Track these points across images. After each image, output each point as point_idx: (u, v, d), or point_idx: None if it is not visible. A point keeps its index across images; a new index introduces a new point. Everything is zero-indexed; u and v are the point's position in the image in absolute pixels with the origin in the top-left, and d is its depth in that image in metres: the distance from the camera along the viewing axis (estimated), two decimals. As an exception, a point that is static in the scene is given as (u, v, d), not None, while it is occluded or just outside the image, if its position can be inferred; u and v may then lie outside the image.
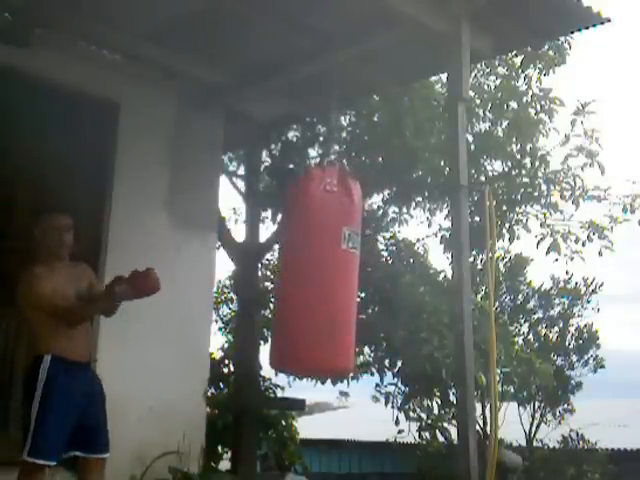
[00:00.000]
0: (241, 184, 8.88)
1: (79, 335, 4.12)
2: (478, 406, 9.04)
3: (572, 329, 12.45)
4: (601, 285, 12.37)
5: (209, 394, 7.19)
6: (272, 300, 10.67)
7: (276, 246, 10.21)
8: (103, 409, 4.22)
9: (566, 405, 11.99)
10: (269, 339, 11.64)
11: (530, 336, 12.18)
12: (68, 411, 3.99)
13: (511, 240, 8.60)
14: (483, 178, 8.21)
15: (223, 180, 8.03)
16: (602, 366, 12.43)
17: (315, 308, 4.63)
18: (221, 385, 8.90)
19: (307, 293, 4.69)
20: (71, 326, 4.06)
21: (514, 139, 8.26)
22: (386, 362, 8.60)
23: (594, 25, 5.54)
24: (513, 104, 8.23)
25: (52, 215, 4.31)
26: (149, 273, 3.94)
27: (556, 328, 12.42)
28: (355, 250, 4.83)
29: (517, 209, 8.46)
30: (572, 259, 8.48)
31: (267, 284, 10.47)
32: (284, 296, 5.03)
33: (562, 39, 7.95)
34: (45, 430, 3.94)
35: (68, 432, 3.99)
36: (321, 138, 8.21)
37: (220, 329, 11.72)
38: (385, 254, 8.91)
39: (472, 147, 7.82)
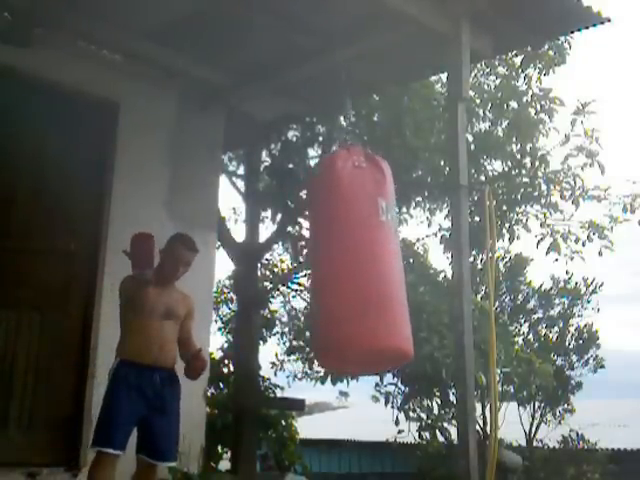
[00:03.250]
0: (241, 184, 8.88)
1: (150, 341, 4.22)
2: (478, 406, 9.04)
3: (572, 329, 12.48)
4: (601, 285, 12.40)
5: (209, 394, 7.19)
6: (271, 300, 10.72)
7: (276, 246, 10.25)
8: (172, 418, 4.28)
9: (566, 405, 12.02)
10: (268, 339, 11.72)
11: (530, 336, 12.21)
12: (130, 406, 4.10)
13: (511, 240, 8.61)
14: (483, 178, 8.22)
15: (223, 180, 8.03)
16: (602, 366, 12.45)
17: (363, 287, 4.34)
18: (221, 385, 8.91)
19: (350, 274, 4.38)
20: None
21: (514, 139, 8.27)
22: (386, 362, 8.58)
23: (594, 25, 5.54)
24: (513, 104, 8.25)
25: (180, 246, 4.41)
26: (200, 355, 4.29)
27: (556, 328, 12.44)
28: (394, 223, 4.69)
29: (517, 209, 8.47)
30: (572, 259, 8.49)
31: (267, 284, 10.48)
32: (324, 285, 4.65)
33: (562, 39, 7.96)
34: (108, 421, 4.11)
35: (131, 426, 4.12)
36: (321, 138, 8.21)
37: (220, 329, 11.73)
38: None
39: (472, 147, 7.83)
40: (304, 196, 7.30)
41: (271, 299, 11.23)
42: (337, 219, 4.52)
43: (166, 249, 4.40)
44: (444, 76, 6.97)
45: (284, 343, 12.22)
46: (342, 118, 5.92)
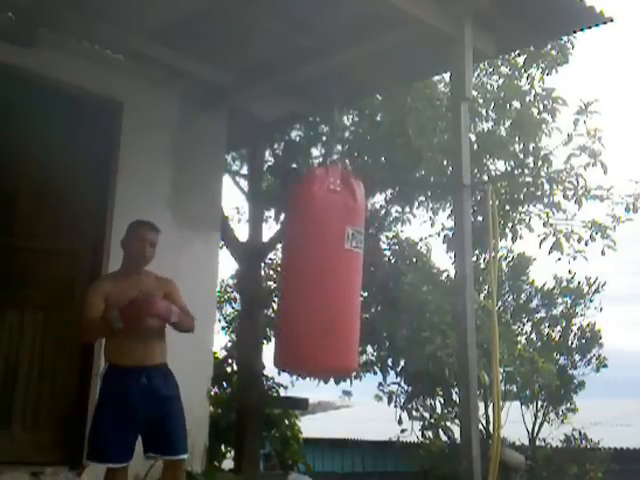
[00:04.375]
0: (244, 183, 8.91)
1: (130, 340, 4.17)
2: (481, 405, 9.03)
3: (575, 328, 12.46)
4: (604, 284, 12.39)
5: (212, 393, 7.19)
6: (275, 299, 10.74)
7: (279, 245, 10.26)
8: (173, 411, 4.27)
9: (569, 404, 12.00)
10: (272, 338, 11.74)
11: (533, 335, 12.18)
12: (120, 414, 4.09)
13: (514, 239, 8.60)
14: (486, 177, 8.21)
15: (226, 179, 8.05)
16: (605, 365, 12.44)
17: (318, 308, 4.61)
18: (224, 384, 8.91)
19: (310, 293, 4.66)
20: (122, 335, 4.14)
21: (517, 138, 8.26)
22: (389, 361, 8.59)
23: (597, 25, 5.54)
24: (516, 104, 8.24)
25: (140, 226, 4.41)
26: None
27: (559, 327, 12.43)
28: (359, 249, 4.82)
29: (520, 208, 8.46)
30: (575, 258, 8.48)
31: (270, 283, 10.48)
32: (287, 296, 5.01)
33: (565, 39, 7.96)
34: (95, 435, 4.15)
35: (126, 435, 4.11)
36: (324, 138, 8.22)
37: (223, 328, 11.73)
38: (388, 253, 8.92)
39: (475, 146, 7.83)
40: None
41: (274, 298, 11.25)
42: (305, 240, 4.78)
43: (128, 235, 4.39)
44: (447, 76, 6.99)
45: (287, 342, 12.20)
46: (335, 119, 5.95)
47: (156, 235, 4.42)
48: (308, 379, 7.63)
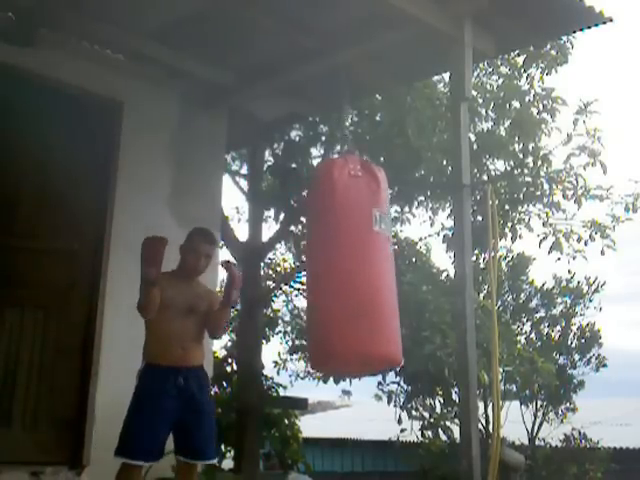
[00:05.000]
0: (244, 183, 8.91)
1: (171, 341, 4.22)
2: (480, 405, 9.06)
3: (574, 328, 12.48)
4: (603, 284, 12.41)
5: (212, 393, 7.20)
6: (275, 299, 10.73)
7: (279, 245, 10.27)
8: (204, 415, 4.26)
9: (568, 404, 12.03)
10: (272, 338, 11.74)
11: (532, 335, 12.21)
12: (155, 414, 4.09)
13: (513, 239, 8.62)
14: (485, 177, 8.22)
15: (226, 179, 8.05)
16: (604, 365, 12.46)
17: (353, 294, 4.42)
18: (224, 384, 8.92)
19: (342, 280, 4.47)
20: (163, 331, 4.22)
21: (516, 138, 8.27)
22: (388, 361, 8.58)
23: (596, 24, 5.54)
24: (515, 103, 8.25)
25: (196, 237, 4.45)
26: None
27: (558, 327, 12.45)
28: (387, 232, 4.74)
29: (519, 208, 8.48)
30: (574, 258, 8.50)
31: (270, 283, 10.50)
32: (318, 289, 4.76)
33: (564, 38, 7.97)
34: (126, 432, 4.10)
35: (158, 434, 4.11)
36: (323, 137, 8.22)
37: (223, 328, 11.71)
38: (387, 253, 8.91)
39: (475, 146, 7.84)
40: (304, 198, 7.35)
41: (274, 298, 11.26)
42: (332, 226, 4.62)
43: (185, 244, 4.43)
44: (447, 76, 6.99)
45: (287, 342, 12.25)
46: (345, 122, 5.94)
47: (212, 247, 4.47)
48: (307, 379, 7.63)
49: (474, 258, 8.29)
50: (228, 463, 7.99)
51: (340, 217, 4.59)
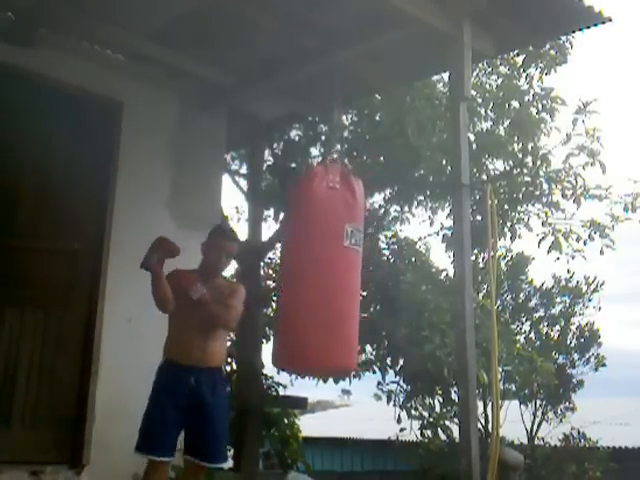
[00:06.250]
0: (244, 183, 8.90)
1: (190, 341, 4.21)
2: (480, 404, 9.06)
3: (573, 327, 12.46)
4: (602, 284, 12.38)
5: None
6: (275, 298, 10.73)
7: (279, 244, 10.26)
8: (215, 418, 4.24)
9: (567, 403, 12.00)
10: (271, 337, 11.73)
11: (532, 334, 12.18)
12: (165, 410, 4.12)
13: (513, 239, 8.62)
14: (485, 177, 8.24)
15: (226, 179, 8.05)
16: (603, 364, 12.43)
17: (317, 306, 4.62)
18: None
19: (309, 290, 4.67)
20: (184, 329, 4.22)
21: (516, 138, 8.28)
22: (388, 360, 8.60)
23: (595, 24, 5.55)
24: (515, 103, 8.26)
25: (219, 234, 4.48)
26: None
27: (557, 326, 12.42)
28: (358, 247, 4.83)
29: (519, 208, 8.48)
30: (573, 258, 8.49)
31: (270, 282, 10.48)
32: (286, 294, 5.02)
33: (564, 38, 7.97)
34: (143, 427, 4.16)
35: (168, 430, 4.13)
36: (323, 137, 8.23)
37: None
38: (387, 253, 8.93)
39: (474, 146, 7.84)
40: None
41: (274, 297, 11.24)
42: (305, 237, 4.80)
43: (207, 242, 4.45)
44: (446, 75, 7.00)
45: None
46: (335, 119, 5.97)
47: (233, 245, 4.50)
48: (307, 378, 7.66)
49: (473, 258, 8.30)
50: (228, 462, 8.00)
51: (314, 228, 4.78)
